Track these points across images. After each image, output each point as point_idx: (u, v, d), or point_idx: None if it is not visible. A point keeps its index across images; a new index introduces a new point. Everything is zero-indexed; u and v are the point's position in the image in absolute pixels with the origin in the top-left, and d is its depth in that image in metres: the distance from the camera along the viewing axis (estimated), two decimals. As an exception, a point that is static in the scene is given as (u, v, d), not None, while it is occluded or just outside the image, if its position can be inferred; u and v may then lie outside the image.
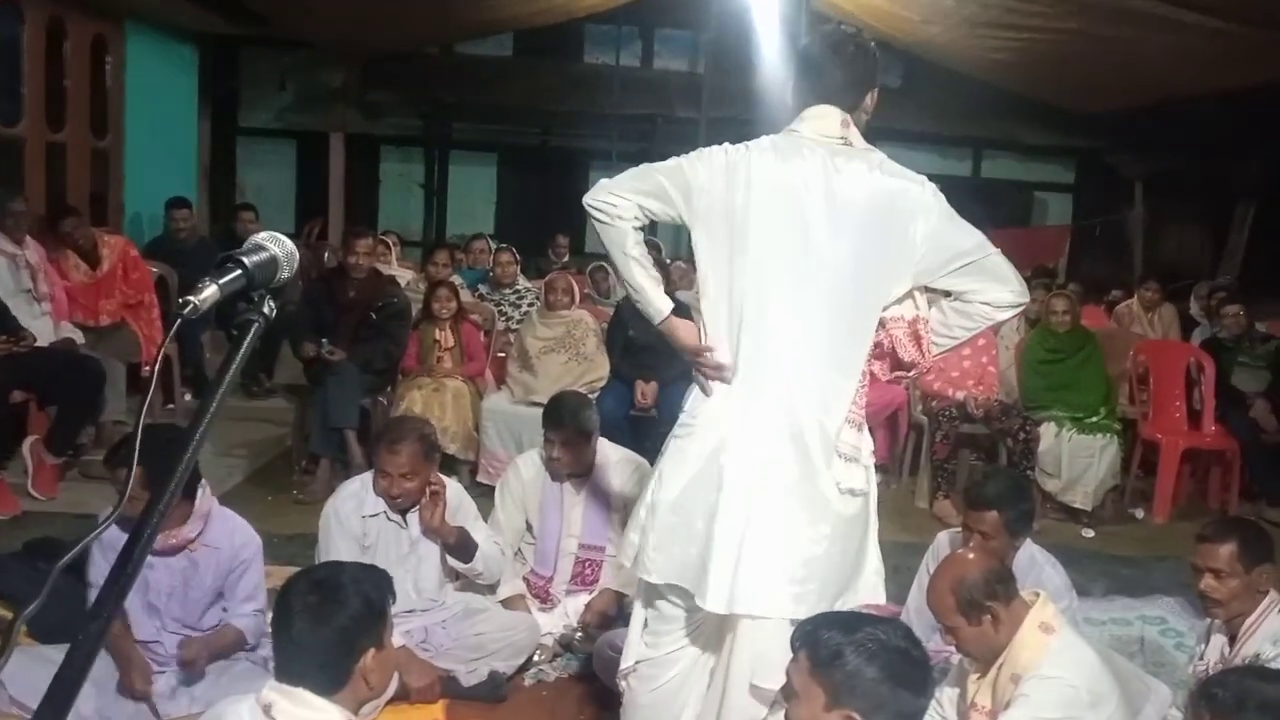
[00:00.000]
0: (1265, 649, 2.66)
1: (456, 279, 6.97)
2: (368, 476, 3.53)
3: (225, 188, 10.87)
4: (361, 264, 5.42)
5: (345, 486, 3.58)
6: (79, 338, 5.16)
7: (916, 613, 3.25)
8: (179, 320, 1.09)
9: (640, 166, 2.36)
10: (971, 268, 2.39)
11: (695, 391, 2.38)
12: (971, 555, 2.60)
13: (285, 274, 1.17)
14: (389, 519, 3.40)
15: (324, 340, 5.22)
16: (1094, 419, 5.55)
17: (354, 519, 3.40)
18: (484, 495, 4.62)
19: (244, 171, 11.39)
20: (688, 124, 10.72)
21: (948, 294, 2.41)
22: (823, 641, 1.82)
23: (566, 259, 8.98)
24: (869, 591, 2.38)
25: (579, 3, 9.27)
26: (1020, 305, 2.48)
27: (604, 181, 2.34)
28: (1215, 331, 6.71)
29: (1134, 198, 11.23)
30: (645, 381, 5.37)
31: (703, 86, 10.42)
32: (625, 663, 2.50)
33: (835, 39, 2.39)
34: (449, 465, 4.98)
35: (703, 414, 2.32)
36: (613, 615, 3.57)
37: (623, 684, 2.54)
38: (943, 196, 2.43)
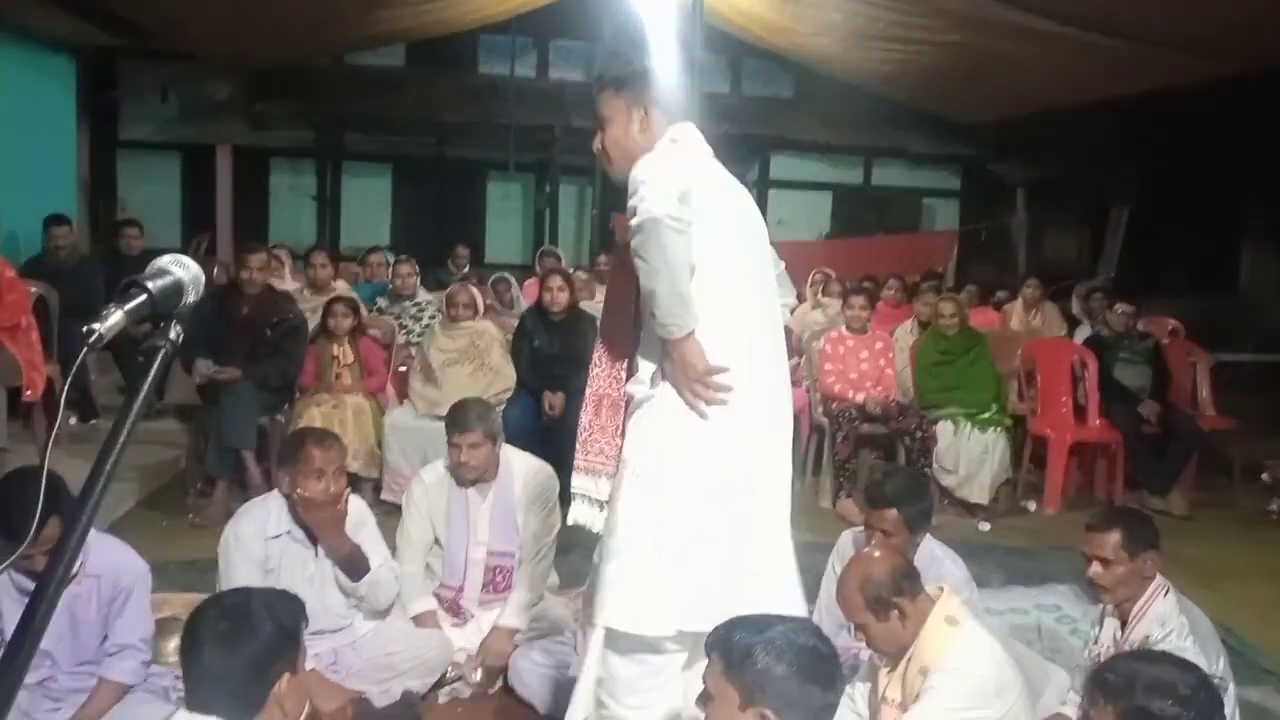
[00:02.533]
0: (1154, 631, 2.78)
1: (343, 285, 6.85)
2: (269, 496, 3.44)
3: (106, 203, 10.47)
4: (255, 280, 5.29)
5: (245, 509, 3.47)
6: (-48, 363, 4.91)
7: (826, 610, 3.31)
8: (85, 350, 1.05)
9: (650, 171, 2.23)
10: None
11: (658, 419, 2.30)
12: (877, 554, 2.67)
13: (191, 298, 1.14)
14: (293, 539, 3.32)
15: (209, 362, 5.05)
16: (986, 415, 5.75)
17: (255, 541, 3.30)
18: (389, 514, 4.55)
19: (126, 186, 10.99)
20: (585, 134, 10.55)
21: None
22: (734, 643, 1.86)
23: (467, 269, 8.89)
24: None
25: (471, 14, 9.21)
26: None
27: (650, 194, 2.17)
28: (1096, 330, 7.01)
29: (1016, 203, 11.71)
30: (553, 392, 5.36)
31: (599, 97, 10.46)
32: None
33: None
34: (352, 483, 4.86)
35: (693, 439, 2.27)
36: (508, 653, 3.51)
37: None
38: None
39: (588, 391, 2.53)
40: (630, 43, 9.41)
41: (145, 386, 1.09)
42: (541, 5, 9.34)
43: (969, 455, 5.65)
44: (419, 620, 3.54)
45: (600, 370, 2.51)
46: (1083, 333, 7.46)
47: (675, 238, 2.16)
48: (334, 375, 5.45)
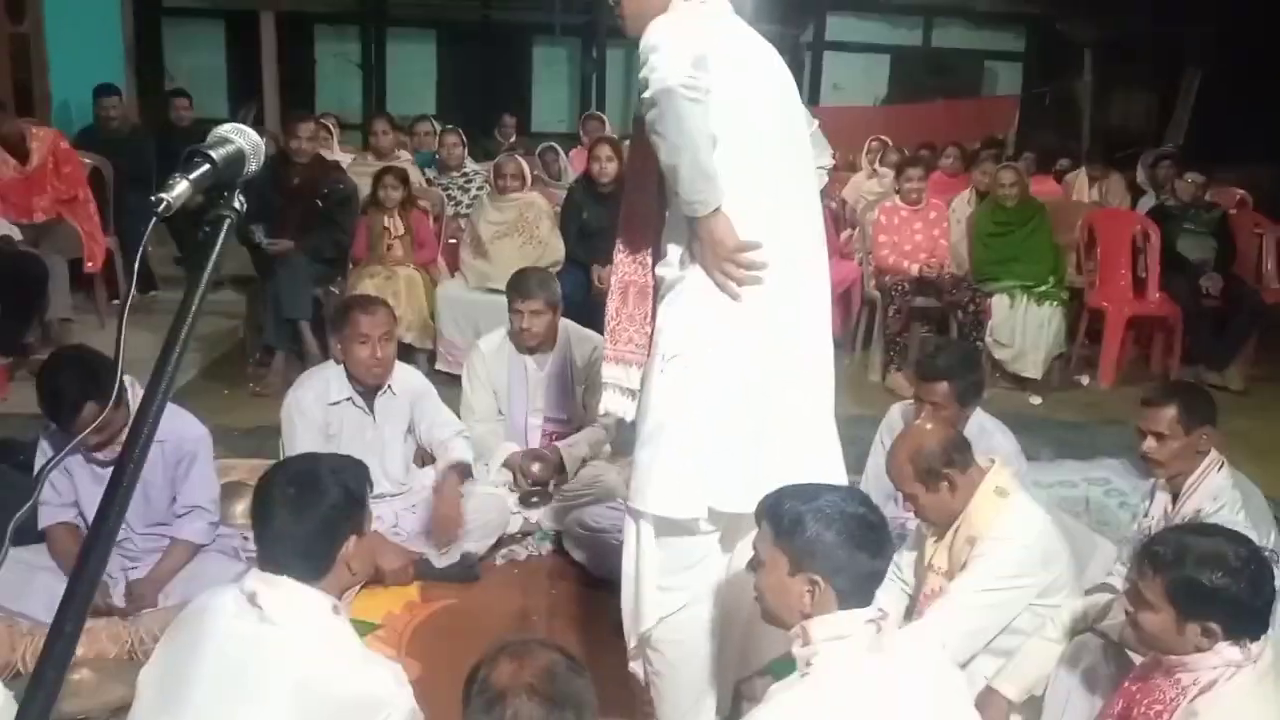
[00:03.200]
0: (1206, 505, 2.78)
1: (406, 156, 6.82)
2: (327, 365, 3.53)
3: (153, 72, 10.42)
4: (305, 150, 5.28)
5: (305, 377, 3.57)
6: (17, 234, 5.00)
7: (874, 480, 3.35)
8: (154, 219, 1.06)
9: (662, 36, 2.08)
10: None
11: (689, 301, 2.22)
12: (929, 426, 2.68)
13: (252, 166, 1.14)
14: (354, 405, 3.41)
15: (255, 230, 5.05)
16: (1043, 288, 5.65)
17: (316, 408, 3.40)
18: (445, 384, 4.63)
19: (171, 55, 10.92)
20: (633, -4, 10.42)
21: None
22: (784, 511, 1.88)
23: (514, 139, 8.79)
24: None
25: None
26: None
27: (661, 62, 2.03)
28: (1162, 200, 6.80)
29: (1083, 65, 11.21)
30: (602, 265, 5.35)
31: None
32: (644, 624, 2.29)
33: None
34: (406, 354, 4.95)
35: (725, 321, 2.20)
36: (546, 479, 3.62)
37: (638, 661, 2.38)
38: None
39: (613, 279, 2.43)
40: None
41: (213, 256, 1.10)
42: None
43: (1024, 329, 5.57)
44: (508, 461, 3.65)
45: (624, 255, 2.40)
46: (1147, 202, 7.25)
47: (692, 107, 2.02)
48: (385, 247, 5.47)
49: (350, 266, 5.48)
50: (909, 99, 11.34)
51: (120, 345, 1.11)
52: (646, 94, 2.05)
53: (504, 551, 3.53)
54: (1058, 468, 4.29)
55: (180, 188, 1.05)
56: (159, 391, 1.06)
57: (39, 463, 2.83)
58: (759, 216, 2.19)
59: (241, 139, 1.12)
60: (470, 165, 6.62)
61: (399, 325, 4.65)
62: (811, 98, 11.51)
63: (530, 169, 6.00)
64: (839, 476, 2.31)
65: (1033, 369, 5.60)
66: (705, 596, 2.33)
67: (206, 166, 1.08)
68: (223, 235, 1.10)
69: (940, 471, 2.51)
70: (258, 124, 9.11)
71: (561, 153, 7.41)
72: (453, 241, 5.96)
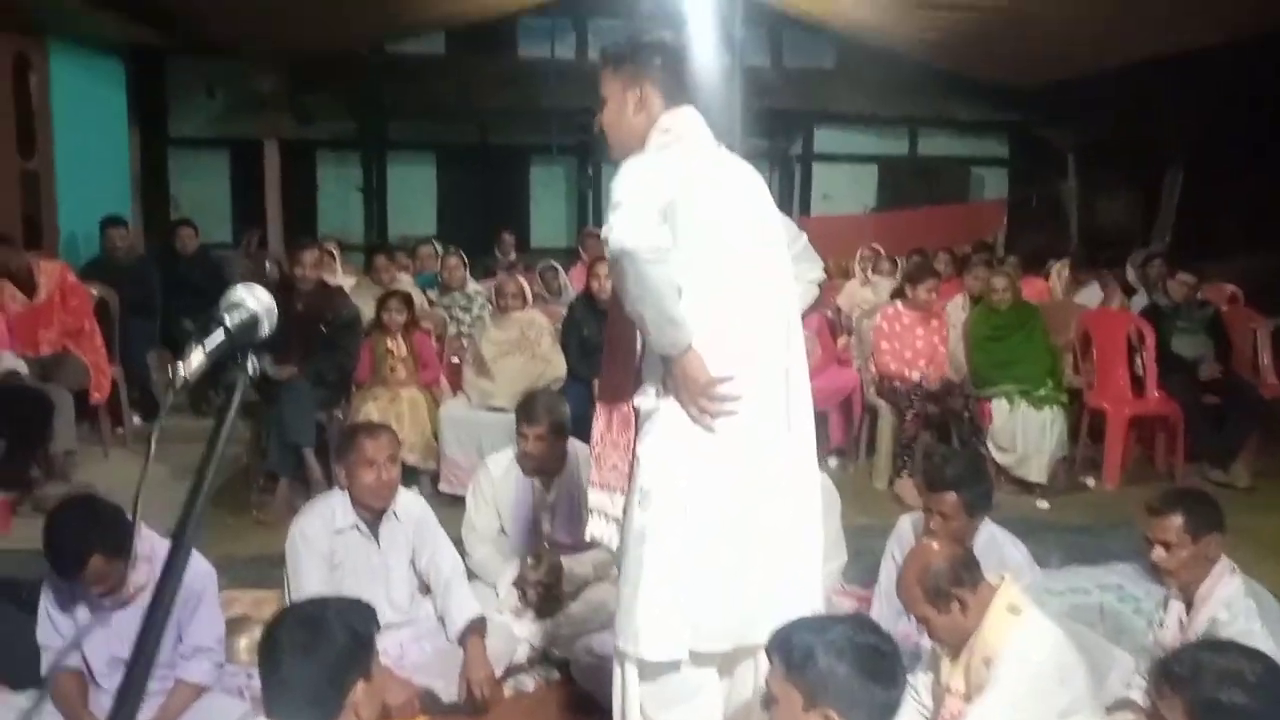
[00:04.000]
0: (1220, 614, 2.75)
1: (407, 279, 6.93)
2: (332, 492, 3.53)
3: (159, 200, 10.66)
4: (309, 276, 5.37)
5: (310, 505, 3.56)
6: (23, 369, 5.05)
7: (886, 597, 3.31)
8: (170, 392, 1.09)
9: (626, 192, 2.15)
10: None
11: (664, 433, 2.25)
12: (935, 545, 2.66)
13: (265, 330, 1.17)
14: (360, 532, 3.40)
15: (253, 361, 5.10)
16: (1041, 392, 5.68)
17: (322, 536, 3.38)
18: (447, 505, 4.62)
19: (177, 182, 11.18)
20: (627, 115, 10.72)
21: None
22: (795, 645, 1.87)
23: (513, 256, 8.96)
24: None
25: (511, -1, 9.22)
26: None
27: (621, 223, 2.08)
28: (1154, 299, 6.88)
29: (1067, 169, 11.48)
30: (603, 380, 5.39)
31: (640, 77, 10.43)
32: None
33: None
34: (410, 475, 4.95)
35: (701, 454, 2.23)
36: (552, 586, 3.60)
37: None
38: None
39: (598, 404, 2.47)
40: (666, 19, 9.40)
41: (227, 423, 1.12)
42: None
43: (1025, 433, 5.58)
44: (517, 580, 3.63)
45: (608, 381, 2.44)
46: (1139, 302, 7.33)
47: (651, 268, 2.07)
48: (389, 369, 5.52)
49: (353, 389, 5.52)
50: (898, 206, 11.59)
51: (136, 516, 1.12)
52: (608, 249, 2.10)
53: (511, 681, 3.46)
54: (1069, 574, 4.23)
55: (195, 359, 1.08)
56: (181, 547, 1.07)
57: (42, 608, 2.80)
58: (734, 339, 2.24)
59: (255, 302, 1.15)
60: (472, 285, 6.74)
61: (402, 447, 4.67)
62: (802, 208, 11.75)
63: (530, 286, 6.10)
64: (817, 580, 2.35)
65: (1037, 473, 5.59)
66: None
67: (221, 336, 1.11)
68: (236, 402, 1.13)
69: (950, 592, 2.49)
70: (261, 248, 9.30)
71: (561, 271, 7.55)
72: (455, 360, 6.01)
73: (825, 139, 11.89)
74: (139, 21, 7.57)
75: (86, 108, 8.06)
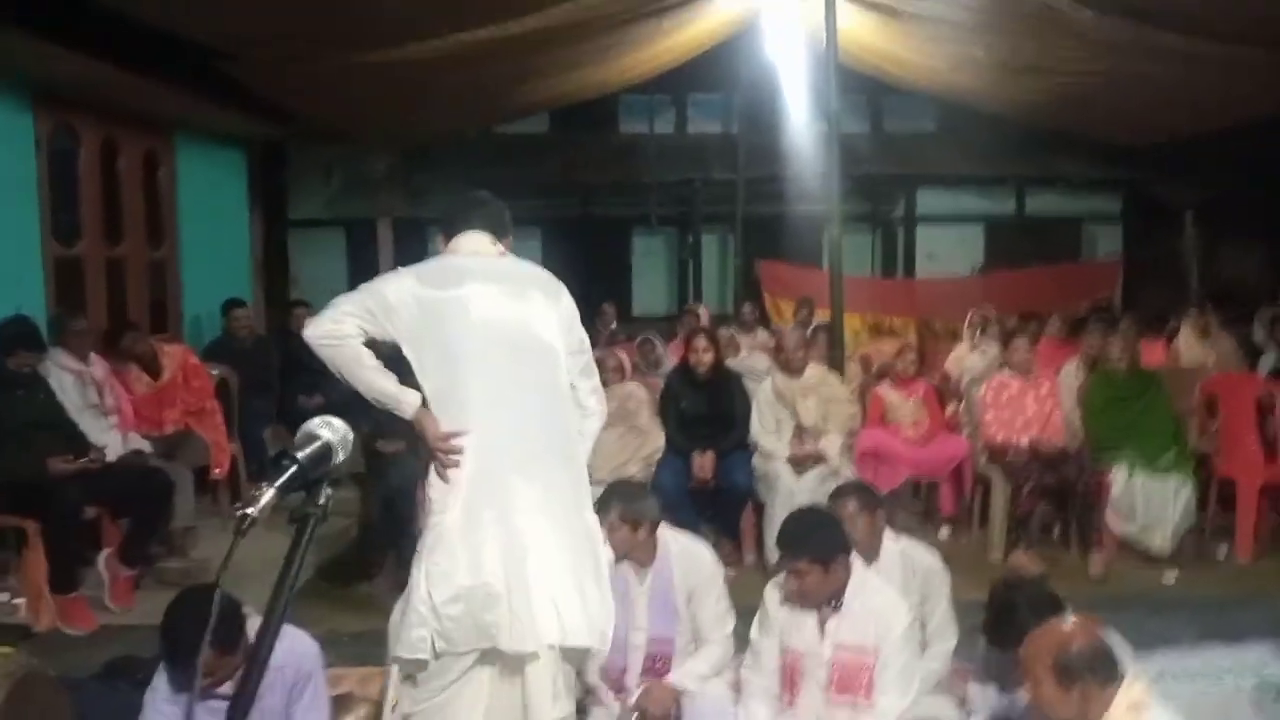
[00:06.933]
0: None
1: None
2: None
3: (279, 279, 11.10)
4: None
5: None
6: (147, 448, 5.28)
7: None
8: (236, 536, 1.11)
9: (344, 295, 2.69)
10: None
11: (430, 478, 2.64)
12: (1080, 624, 2.52)
13: (339, 459, 1.19)
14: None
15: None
16: (1166, 459, 5.41)
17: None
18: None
19: (296, 262, 11.64)
20: (725, 185, 10.81)
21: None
22: None
23: (614, 326, 9.03)
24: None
25: (613, 78, 9.42)
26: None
27: (323, 311, 2.66)
28: (1283, 359, 6.54)
29: (1184, 226, 11.04)
30: (701, 453, 5.34)
31: (738, 147, 10.52)
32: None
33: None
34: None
35: (445, 492, 2.60)
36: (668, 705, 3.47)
37: None
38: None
39: None
40: (763, 92, 9.46)
41: (300, 556, 1.13)
42: (678, 62, 9.48)
43: (1147, 502, 5.31)
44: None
45: None
46: (1266, 361, 6.97)
47: (333, 351, 2.59)
48: (492, 443, 5.57)
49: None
50: (1007, 265, 11.23)
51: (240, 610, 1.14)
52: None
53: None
54: (1202, 653, 3.99)
55: (266, 497, 1.09)
56: (263, 651, 1.08)
57: (149, 697, 2.86)
58: (470, 409, 2.60)
59: (329, 432, 1.16)
60: (573, 357, 6.77)
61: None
62: (906, 269, 11.59)
63: (630, 358, 6.12)
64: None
65: (1161, 543, 5.31)
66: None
67: (293, 470, 1.12)
68: (309, 536, 1.13)
69: (1081, 674, 2.36)
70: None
71: (659, 343, 7.56)
72: (557, 434, 6.03)
73: (928, 200, 11.70)
74: (261, 119, 7.98)
75: (210, 196, 8.48)
